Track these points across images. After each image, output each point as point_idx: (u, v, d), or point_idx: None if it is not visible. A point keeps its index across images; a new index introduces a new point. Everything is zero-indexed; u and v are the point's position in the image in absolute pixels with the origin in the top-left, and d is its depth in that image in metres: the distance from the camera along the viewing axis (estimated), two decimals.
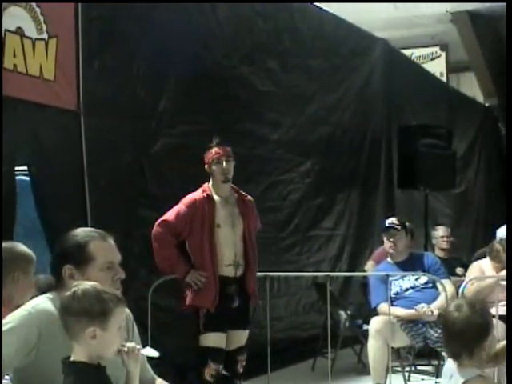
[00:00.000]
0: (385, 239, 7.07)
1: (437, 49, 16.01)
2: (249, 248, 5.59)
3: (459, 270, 8.36)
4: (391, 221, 7.15)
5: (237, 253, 5.53)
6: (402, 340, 6.65)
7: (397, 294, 6.79)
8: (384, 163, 10.34)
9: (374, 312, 6.74)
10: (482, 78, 15.55)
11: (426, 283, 6.85)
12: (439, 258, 7.96)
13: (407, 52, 13.21)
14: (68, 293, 2.64)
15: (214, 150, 5.56)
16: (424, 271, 6.86)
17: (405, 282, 6.86)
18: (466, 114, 13.59)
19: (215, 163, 5.53)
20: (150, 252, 5.42)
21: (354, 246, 9.66)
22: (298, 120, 8.55)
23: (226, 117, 7.31)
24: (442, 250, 9.22)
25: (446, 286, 6.63)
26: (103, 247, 2.97)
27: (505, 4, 13.84)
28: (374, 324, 6.49)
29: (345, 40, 9.57)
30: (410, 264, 6.94)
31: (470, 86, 15.71)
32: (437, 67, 15.53)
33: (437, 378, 6.89)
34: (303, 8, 8.75)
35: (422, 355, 7.23)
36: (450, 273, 7.71)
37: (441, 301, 6.58)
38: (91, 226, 3.99)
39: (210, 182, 5.61)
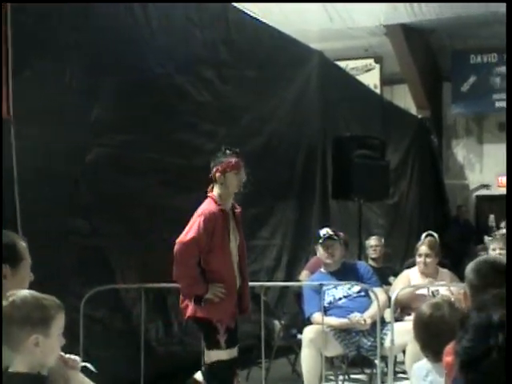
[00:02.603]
0: (320, 249, 7.09)
1: (371, 61, 16.24)
2: (244, 260, 5.59)
3: (391, 279, 8.45)
4: (326, 231, 7.19)
5: (236, 265, 5.51)
6: (335, 349, 6.69)
7: (330, 303, 6.83)
8: (319, 174, 10.41)
9: (308, 321, 6.76)
10: (415, 91, 15.83)
11: (359, 292, 6.90)
12: (372, 267, 8.05)
13: (342, 64, 13.35)
14: (6, 302, 2.58)
15: (234, 160, 5.40)
16: (357, 280, 6.91)
17: (338, 291, 6.89)
18: (400, 125, 13.79)
19: (234, 173, 5.38)
20: (83, 263, 5.33)
21: (291, 256, 9.68)
22: (234, 130, 8.54)
23: (162, 127, 7.26)
24: (374, 259, 9.33)
25: (378, 294, 6.70)
26: (26, 248, 2.93)
27: (437, 18, 14.18)
28: (308, 333, 6.51)
29: (280, 51, 9.61)
30: (344, 273, 6.98)
31: (404, 98, 15.98)
32: (371, 79, 15.75)
33: None
34: (239, 19, 8.77)
35: (355, 364, 7.27)
36: (383, 281, 7.79)
37: (373, 309, 6.65)
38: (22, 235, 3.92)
39: (217, 192, 5.43)
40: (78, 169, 6.31)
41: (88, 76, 6.37)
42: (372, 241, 9.56)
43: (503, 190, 16.58)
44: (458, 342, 1.70)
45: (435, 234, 9.55)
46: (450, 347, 1.79)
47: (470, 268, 3.30)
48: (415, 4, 13.81)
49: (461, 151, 17.05)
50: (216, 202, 5.33)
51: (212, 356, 5.32)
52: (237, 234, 5.51)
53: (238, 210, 5.58)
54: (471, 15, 14.11)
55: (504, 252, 9.33)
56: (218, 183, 5.41)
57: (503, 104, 15.76)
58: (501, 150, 16.53)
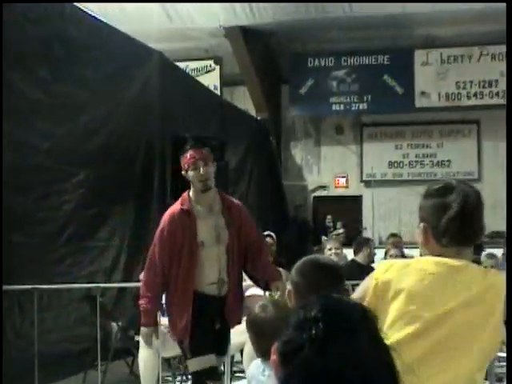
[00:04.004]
0: None
1: (211, 62, 16.34)
2: (233, 263, 5.03)
3: None
4: None
5: (221, 269, 4.98)
6: (172, 349, 6.68)
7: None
8: (158, 174, 10.36)
9: None
10: (254, 92, 16.05)
11: None
12: None
13: (182, 64, 13.36)
14: None
15: (188, 154, 4.91)
16: None
17: None
18: (239, 126, 13.94)
19: (191, 169, 4.89)
20: None
21: (129, 257, 9.58)
22: (71, 130, 8.37)
23: None
24: None
25: None
26: None
27: (276, 21, 14.45)
28: None
29: (119, 50, 9.49)
30: None
31: (244, 100, 16.18)
32: (211, 80, 15.86)
33: None
34: (76, 16, 8.60)
35: None
36: None
37: None
38: None
39: (191, 191, 5.00)
40: None
41: None
42: None
43: (340, 191, 17.19)
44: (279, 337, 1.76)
45: (273, 234, 9.74)
46: (275, 345, 1.84)
47: (294, 268, 3.38)
48: (254, 6, 14.01)
49: (299, 153, 17.44)
50: (183, 203, 4.94)
51: (188, 366, 5.12)
52: (224, 233, 4.96)
53: (234, 206, 5.07)
54: (309, 19, 14.46)
55: (339, 252, 9.64)
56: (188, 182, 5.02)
57: (340, 107, 16.32)
58: (337, 152, 17.11)
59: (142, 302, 5.06)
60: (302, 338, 1.65)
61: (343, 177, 17.28)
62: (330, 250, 8.80)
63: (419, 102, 15.99)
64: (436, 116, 16.28)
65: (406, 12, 14.34)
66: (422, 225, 2.77)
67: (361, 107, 16.19)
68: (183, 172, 4.97)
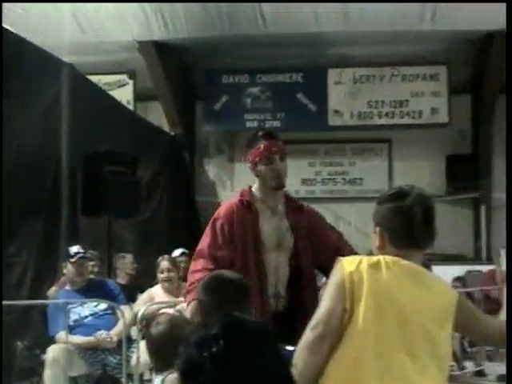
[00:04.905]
0: (70, 267, 6.95)
1: (124, 76, 16.13)
2: (296, 275, 4.29)
3: (140, 297, 8.43)
4: (77, 249, 7.06)
5: (278, 281, 4.25)
6: (79, 368, 6.55)
7: (76, 321, 6.70)
8: (67, 190, 10.15)
9: (53, 341, 6.58)
10: (168, 108, 15.93)
11: (106, 310, 6.82)
12: (122, 284, 8.01)
13: (94, 78, 13.14)
14: None
15: (262, 145, 4.27)
16: (104, 298, 6.83)
17: (84, 309, 6.78)
18: (152, 142, 13.82)
19: (265, 162, 4.26)
20: None
21: (36, 273, 9.35)
22: None
23: None
24: (123, 276, 9.27)
25: (125, 312, 6.66)
26: None
27: (190, 37, 14.41)
28: (51, 353, 6.35)
29: (28, 62, 9.28)
30: (90, 291, 6.89)
31: (157, 115, 16.03)
32: (124, 95, 15.65)
33: None
34: None
35: (101, 383, 7.14)
36: (131, 299, 7.75)
37: (119, 327, 6.60)
38: None
39: (255, 186, 4.41)
40: None
41: None
42: (121, 258, 9.49)
43: None
44: (179, 355, 1.78)
45: (187, 251, 9.68)
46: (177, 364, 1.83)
47: (199, 285, 3.38)
48: (169, 21, 13.92)
49: (212, 169, 17.37)
50: (242, 195, 4.37)
51: None
52: (286, 239, 4.29)
53: (301, 209, 4.41)
54: (225, 36, 14.45)
55: None
56: (256, 176, 4.41)
57: (254, 124, 16.26)
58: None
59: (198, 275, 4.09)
60: (203, 356, 1.67)
61: None
62: None
63: (332, 121, 16.04)
64: (349, 134, 16.38)
65: (321, 31, 14.43)
66: (378, 229, 2.84)
67: (274, 124, 16.12)
68: (250, 165, 4.35)
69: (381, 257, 2.77)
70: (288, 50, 15.40)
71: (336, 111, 16.06)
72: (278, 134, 4.37)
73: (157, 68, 15.18)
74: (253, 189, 4.40)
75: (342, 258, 2.80)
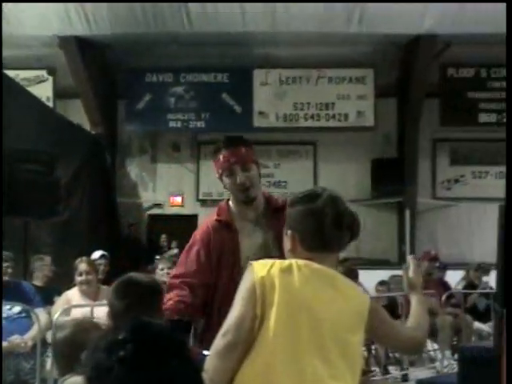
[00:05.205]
0: None
1: (44, 72, 15.70)
2: None
3: (57, 299, 8.08)
4: None
5: None
6: None
7: None
8: None
9: None
10: (89, 106, 15.54)
11: (20, 313, 6.51)
12: (39, 286, 7.69)
13: (12, 73, 12.64)
14: None
15: (221, 156, 3.82)
16: (19, 301, 6.54)
17: None
18: (72, 141, 13.37)
19: (226, 175, 3.82)
20: None
21: None
22: None
23: None
24: (40, 278, 8.88)
25: (40, 315, 6.36)
26: None
27: (113, 34, 14.07)
28: None
29: None
30: (4, 293, 6.52)
31: (78, 114, 15.57)
32: (43, 91, 15.21)
33: None
34: None
35: None
36: (48, 302, 7.42)
37: (34, 331, 6.31)
38: None
39: (230, 200, 3.95)
40: None
41: None
42: (39, 260, 9.10)
43: (175, 210, 16.90)
44: (85, 360, 1.75)
45: (106, 254, 9.39)
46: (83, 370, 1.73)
47: (111, 289, 3.36)
48: (91, 17, 13.54)
49: (134, 169, 17.02)
50: (218, 213, 3.90)
51: None
52: (274, 251, 3.64)
53: (279, 210, 3.67)
54: (148, 34, 14.17)
55: (171, 272, 9.44)
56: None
57: (177, 124, 16.05)
58: (174, 169, 16.82)
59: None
60: (112, 360, 1.66)
61: (179, 195, 16.99)
62: (161, 270, 8.63)
63: (257, 122, 15.94)
64: (274, 136, 16.30)
65: (247, 31, 14.30)
66: (289, 232, 2.80)
67: (198, 125, 15.99)
68: (217, 177, 3.92)
69: (293, 260, 2.70)
70: (213, 49, 15.24)
71: (261, 112, 15.96)
72: (242, 139, 3.89)
73: (78, 64, 14.78)
74: (230, 202, 3.96)
75: (253, 262, 2.71)
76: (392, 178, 15.18)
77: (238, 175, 3.77)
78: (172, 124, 16.09)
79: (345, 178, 15.55)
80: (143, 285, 3.27)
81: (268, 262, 2.69)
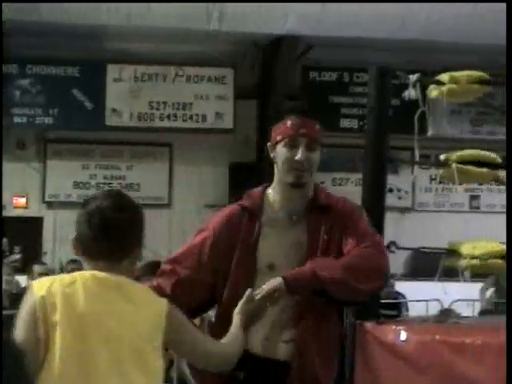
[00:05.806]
0: None
1: None
2: (308, 306, 3.01)
3: None
4: None
5: (284, 315, 3.04)
6: None
7: None
8: None
9: None
10: None
11: None
12: None
13: None
14: None
15: (289, 121, 3.12)
16: None
17: None
18: None
19: (284, 144, 3.11)
20: None
21: None
22: None
23: None
24: None
25: None
26: None
27: None
28: None
29: None
30: None
31: None
32: None
33: None
34: None
35: None
36: None
37: None
38: None
39: (274, 180, 3.21)
40: None
41: None
42: None
43: (19, 212, 15.99)
44: None
45: None
46: None
47: None
48: None
49: None
50: (246, 198, 3.21)
51: None
52: (300, 249, 3.08)
53: (332, 212, 3.13)
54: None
55: (11, 279, 8.76)
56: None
57: (22, 120, 15.23)
58: (18, 168, 15.86)
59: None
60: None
61: (23, 196, 16.06)
62: None
63: (110, 120, 15.23)
64: (128, 136, 15.68)
65: (100, 23, 13.77)
66: (74, 237, 2.71)
67: (46, 121, 15.16)
68: (269, 146, 3.22)
69: (76, 274, 2.58)
70: (64, 40, 14.43)
71: (114, 110, 15.28)
72: (313, 120, 3.19)
73: None
74: (269, 189, 3.24)
75: (33, 281, 2.64)
76: (250, 182, 14.75)
77: (301, 150, 3.07)
78: (17, 119, 15.24)
79: (202, 182, 15.36)
80: None
81: (49, 278, 2.59)
